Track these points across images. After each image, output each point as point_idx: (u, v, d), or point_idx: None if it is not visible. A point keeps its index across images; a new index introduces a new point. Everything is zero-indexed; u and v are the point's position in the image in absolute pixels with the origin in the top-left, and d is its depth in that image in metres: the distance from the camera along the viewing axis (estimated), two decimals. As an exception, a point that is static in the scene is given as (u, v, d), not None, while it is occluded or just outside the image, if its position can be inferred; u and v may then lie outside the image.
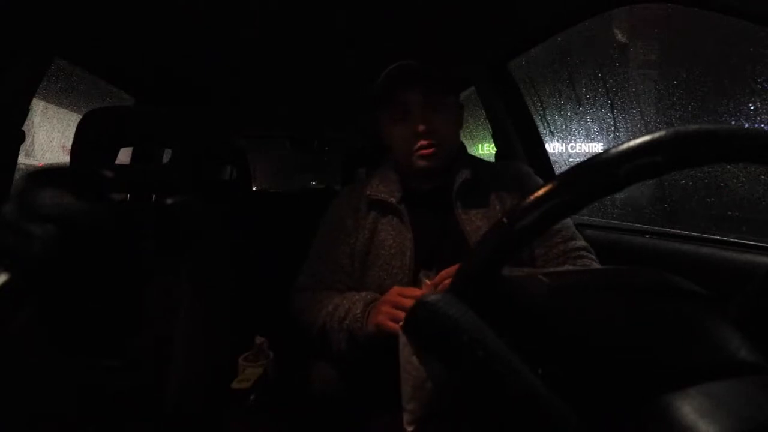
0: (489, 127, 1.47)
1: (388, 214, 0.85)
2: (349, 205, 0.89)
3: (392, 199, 0.85)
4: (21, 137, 1.01)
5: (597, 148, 1.75)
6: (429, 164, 0.82)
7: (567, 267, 0.79)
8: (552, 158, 1.37)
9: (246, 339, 1.17)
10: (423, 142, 0.81)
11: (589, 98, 1.70)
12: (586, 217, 1.31)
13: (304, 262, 0.91)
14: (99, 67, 1.37)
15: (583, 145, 1.80)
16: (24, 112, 1.01)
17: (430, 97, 0.81)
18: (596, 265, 0.81)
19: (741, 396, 0.26)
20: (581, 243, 0.83)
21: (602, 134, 1.67)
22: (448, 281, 0.65)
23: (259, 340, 1.17)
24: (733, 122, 1.28)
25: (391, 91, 0.82)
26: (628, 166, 0.27)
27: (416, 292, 0.69)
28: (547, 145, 1.39)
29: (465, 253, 0.34)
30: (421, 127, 0.79)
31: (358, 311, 0.73)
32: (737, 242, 0.81)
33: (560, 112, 1.80)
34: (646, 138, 0.28)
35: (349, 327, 0.74)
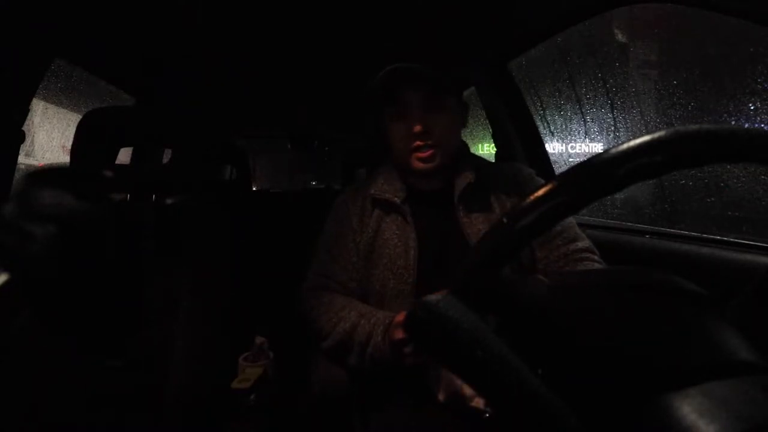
0: (489, 127, 1.47)
1: (392, 213, 0.86)
2: (354, 204, 0.90)
3: (396, 198, 0.85)
4: (21, 137, 1.01)
5: (597, 148, 1.75)
6: (426, 166, 0.82)
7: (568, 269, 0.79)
8: (552, 158, 1.37)
9: (246, 339, 1.17)
10: (420, 143, 0.80)
11: (589, 98, 1.70)
12: (586, 217, 1.31)
13: (311, 261, 0.91)
14: (99, 67, 1.37)
15: (583, 145, 1.80)
16: (24, 112, 1.01)
17: (429, 97, 0.80)
18: (599, 266, 0.80)
19: (741, 396, 0.26)
20: (584, 244, 0.82)
21: (602, 134, 1.67)
22: None
23: (259, 340, 1.17)
24: (733, 122, 1.28)
25: (390, 90, 0.82)
26: (628, 166, 0.27)
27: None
28: (547, 145, 1.39)
29: (466, 254, 0.34)
30: (419, 128, 0.79)
31: (380, 338, 0.73)
32: (737, 242, 0.81)
33: (560, 112, 1.80)
34: (646, 138, 0.28)
35: (372, 354, 0.74)
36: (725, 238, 0.83)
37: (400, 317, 0.72)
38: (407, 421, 0.73)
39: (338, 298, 0.83)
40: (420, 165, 0.82)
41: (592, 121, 1.71)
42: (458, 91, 0.87)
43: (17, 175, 1.01)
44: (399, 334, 0.69)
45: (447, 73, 0.81)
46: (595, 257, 0.81)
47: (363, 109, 1.98)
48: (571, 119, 1.79)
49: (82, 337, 0.71)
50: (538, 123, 1.39)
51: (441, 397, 0.70)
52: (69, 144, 0.87)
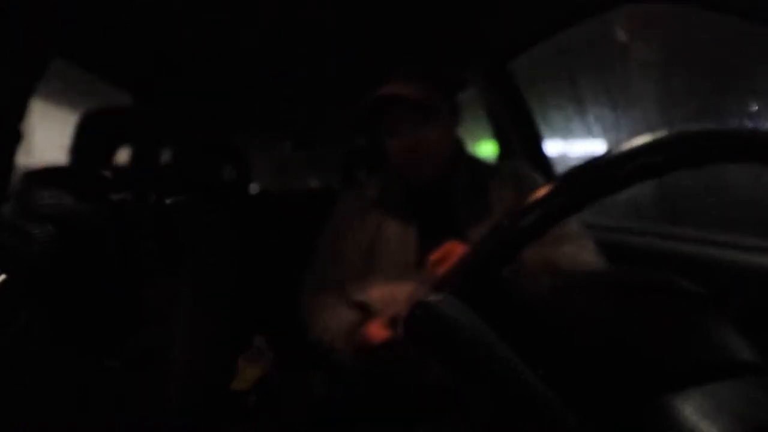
0: (489, 127, 1.47)
1: (392, 213, 0.87)
2: (354, 206, 0.91)
3: (396, 199, 0.87)
4: (20, 137, 1.01)
5: (597, 148, 1.75)
6: (420, 176, 0.84)
7: (564, 248, 0.78)
8: (552, 158, 1.37)
9: (246, 339, 1.17)
10: (411, 158, 0.82)
11: (589, 98, 1.70)
12: (585, 217, 1.31)
13: (309, 261, 0.92)
14: (99, 67, 1.36)
15: (583, 145, 1.80)
16: (23, 112, 1.01)
17: (415, 115, 0.81)
18: (593, 249, 0.80)
19: (741, 396, 0.26)
20: (577, 228, 0.83)
21: (603, 134, 1.67)
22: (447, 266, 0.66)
23: (259, 340, 1.17)
24: (734, 122, 1.28)
25: (379, 109, 0.83)
26: (629, 167, 0.27)
27: (381, 333, 0.70)
28: (546, 145, 1.39)
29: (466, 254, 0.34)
30: (408, 144, 0.81)
31: (342, 345, 0.77)
32: (737, 242, 0.80)
33: (560, 112, 1.80)
34: (648, 138, 0.28)
35: (339, 359, 0.77)
36: (725, 238, 0.83)
37: (368, 330, 0.73)
38: (407, 421, 0.73)
39: (329, 299, 0.84)
40: (414, 176, 0.85)
41: (592, 121, 1.71)
42: (448, 98, 0.88)
43: (17, 175, 1.01)
44: (367, 339, 0.71)
45: (433, 91, 0.81)
46: (588, 240, 0.81)
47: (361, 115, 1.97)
48: (571, 119, 1.78)
49: (82, 337, 0.71)
50: (538, 123, 1.39)
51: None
52: (68, 144, 0.87)
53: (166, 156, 1.72)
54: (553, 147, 1.78)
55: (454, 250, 0.69)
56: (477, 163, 0.92)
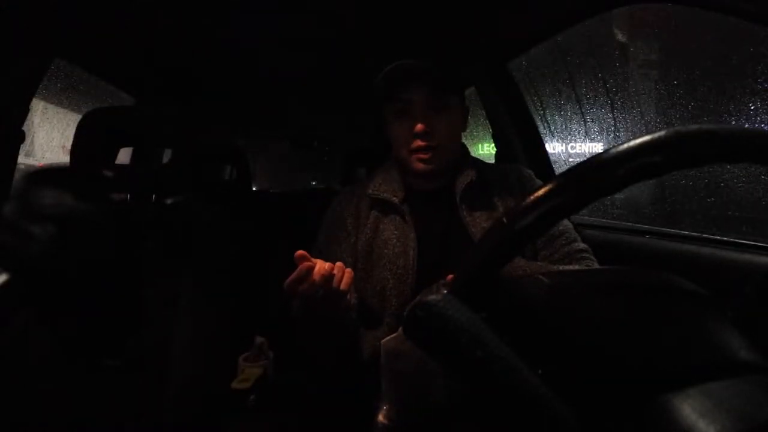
0: (489, 127, 1.47)
1: (391, 213, 0.85)
2: (350, 205, 0.89)
3: (395, 198, 0.84)
4: (21, 137, 1.01)
5: (597, 148, 1.76)
6: (426, 167, 0.81)
7: (570, 267, 0.79)
8: (552, 158, 1.37)
9: (246, 339, 1.17)
10: (420, 143, 0.80)
11: (589, 98, 1.70)
12: (586, 217, 1.31)
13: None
14: (99, 67, 1.37)
15: (583, 145, 1.80)
16: (24, 112, 1.01)
17: (431, 96, 0.80)
18: (597, 267, 0.81)
19: (741, 396, 0.26)
20: (583, 245, 0.83)
21: (602, 134, 1.67)
22: None
23: (259, 340, 1.16)
24: (733, 122, 1.28)
25: (392, 89, 0.81)
26: (628, 166, 0.27)
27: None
28: (547, 145, 1.39)
29: (466, 254, 0.34)
30: (420, 127, 0.78)
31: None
32: (737, 242, 0.81)
33: (560, 112, 1.80)
34: (646, 138, 0.28)
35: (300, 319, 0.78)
36: (725, 238, 0.83)
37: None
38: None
39: None
40: (420, 166, 0.81)
41: (592, 121, 1.71)
42: (461, 91, 0.87)
43: (17, 175, 1.01)
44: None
45: (450, 72, 0.80)
46: (593, 258, 0.82)
47: (363, 109, 1.98)
48: (571, 119, 1.79)
49: (81, 337, 0.71)
50: (538, 123, 1.39)
51: (382, 418, 0.66)
52: (69, 144, 0.87)
53: (166, 156, 1.73)
54: (552, 147, 1.78)
55: None
56: (480, 164, 0.90)
